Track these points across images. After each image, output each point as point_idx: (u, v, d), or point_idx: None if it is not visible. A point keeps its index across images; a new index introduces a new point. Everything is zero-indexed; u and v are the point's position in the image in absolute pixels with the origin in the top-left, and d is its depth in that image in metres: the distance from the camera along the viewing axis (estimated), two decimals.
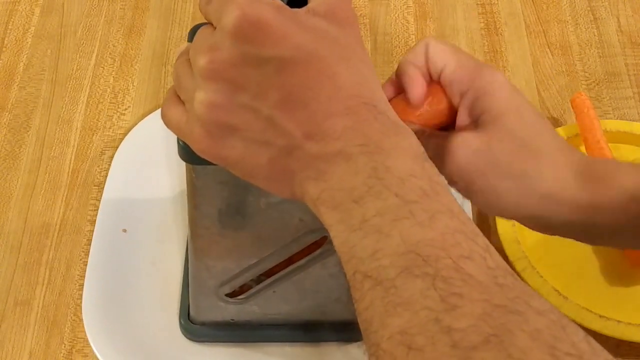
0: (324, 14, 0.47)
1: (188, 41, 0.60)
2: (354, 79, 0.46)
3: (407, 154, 0.45)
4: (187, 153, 0.55)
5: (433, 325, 0.39)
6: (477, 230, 0.43)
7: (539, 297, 0.41)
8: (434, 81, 0.56)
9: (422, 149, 0.46)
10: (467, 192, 0.55)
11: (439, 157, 0.54)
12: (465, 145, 0.54)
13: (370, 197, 0.43)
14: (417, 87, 0.55)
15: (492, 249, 0.42)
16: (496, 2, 0.96)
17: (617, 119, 0.86)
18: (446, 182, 0.46)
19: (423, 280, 0.40)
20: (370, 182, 0.43)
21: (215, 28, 0.47)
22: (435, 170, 0.46)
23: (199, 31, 0.48)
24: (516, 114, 0.55)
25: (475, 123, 0.55)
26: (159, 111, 0.85)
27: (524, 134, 0.54)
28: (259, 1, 0.45)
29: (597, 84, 0.89)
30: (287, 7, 0.47)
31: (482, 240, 0.43)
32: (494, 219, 0.76)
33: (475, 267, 0.41)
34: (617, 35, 0.93)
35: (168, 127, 0.50)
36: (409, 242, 0.41)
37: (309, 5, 0.48)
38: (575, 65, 0.91)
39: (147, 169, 0.81)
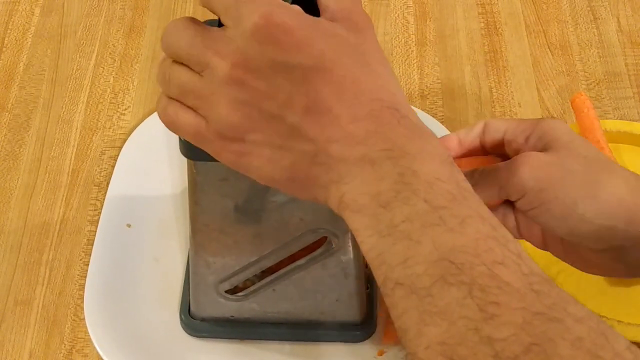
0: (342, 20, 0.47)
1: None
2: (375, 84, 0.46)
3: (433, 158, 0.45)
4: (188, 149, 0.55)
5: (473, 335, 0.38)
6: (509, 235, 0.43)
7: (575, 303, 0.40)
8: (484, 156, 0.58)
9: (447, 153, 0.46)
10: (537, 202, 0.54)
11: (505, 169, 0.54)
12: (536, 158, 0.54)
13: (398, 203, 0.43)
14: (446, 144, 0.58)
15: (524, 254, 0.42)
16: (496, 2, 0.96)
17: (617, 119, 0.86)
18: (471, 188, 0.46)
19: (459, 289, 0.40)
20: (398, 187, 0.43)
21: (220, 28, 0.46)
22: (462, 175, 0.45)
23: (193, 29, 0.47)
24: (581, 141, 0.56)
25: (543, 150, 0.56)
26: None
27: (592, 155, 0.55)
28: (281, 5, 0.45)
29: (597, 84, 0.89)
30: (305, 13, 0.47)
31: (514, 245, 0.42)
32: None
33: (511, 274, 0.40)
34: (617, 35, 0.93)
35: (182, 135, 0.49)
36: (441, 249, 0.41)
37: (325, 11, 0.48)
38: (575, 65, 0.91)
39: (152, 166, 0.81)
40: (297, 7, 0.46)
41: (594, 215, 0.54)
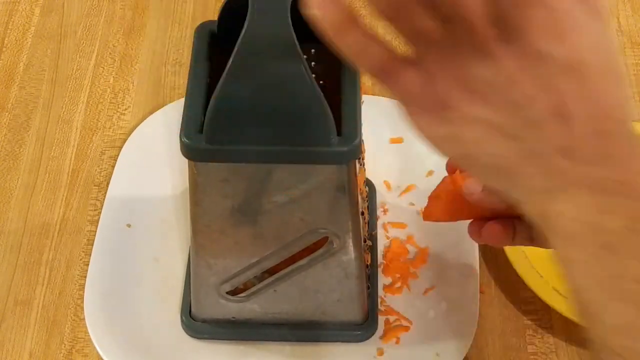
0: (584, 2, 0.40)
1: (194, 40, 0.60)
2: (617, 96, 0.40)
3: None
4: (189, 150, 0.55)
5: None
6: None
7: None
8: None
9: None
10: None
11: None
12: None
13: (630, 253, 0.38)
14: None
15: None
16: None
17: None
18: None
19: None
20: (632, 235, 0.38)
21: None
22: None
23: None
24: None
25: None
26: (164, 109, 0.86)
27: None
28: None
29: None
30: None
31: None
32: None
33: None
34: (617, 35, 0.93)
35: (401, 94, 0.43)
36: None
37: None
38: None
39: (152, 166, 0.81)
40: None
41: None
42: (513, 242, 0.54)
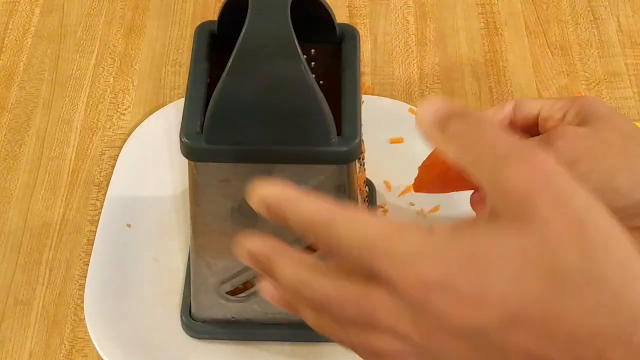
0: (509, 211, 0.36)
1: (194, 40, 0.60)
2: (590, 307, 0.35)
3: None
4: (189, 150, 0.55)
5: None
6: None
7: None
8: None
9: None
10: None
11: (540, 142, 0.53)
12: (572, 130, 0.53)
13: None
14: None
15: None
16: (496, 2, 0.96)
17: None
18: None
19: None
20: None
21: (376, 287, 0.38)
22: None
23: (339, 283, 0.40)
24: (619, 116, 0.55)
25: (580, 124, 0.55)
26: (164, 109, 0.86)
27: (629, 129, 0.54)
28: (423, 246, 0.36)
29: (597, 84, 0.89)
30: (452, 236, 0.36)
31: None
32: None
33: None
34: (617, 35, 0.93)
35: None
36: None
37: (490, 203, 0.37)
38: (575, 65, 0.91)
39: (152, 166, 0.81)
40: (441, 235, 0.36)
41: (630, 188, 0.52)
42: None
